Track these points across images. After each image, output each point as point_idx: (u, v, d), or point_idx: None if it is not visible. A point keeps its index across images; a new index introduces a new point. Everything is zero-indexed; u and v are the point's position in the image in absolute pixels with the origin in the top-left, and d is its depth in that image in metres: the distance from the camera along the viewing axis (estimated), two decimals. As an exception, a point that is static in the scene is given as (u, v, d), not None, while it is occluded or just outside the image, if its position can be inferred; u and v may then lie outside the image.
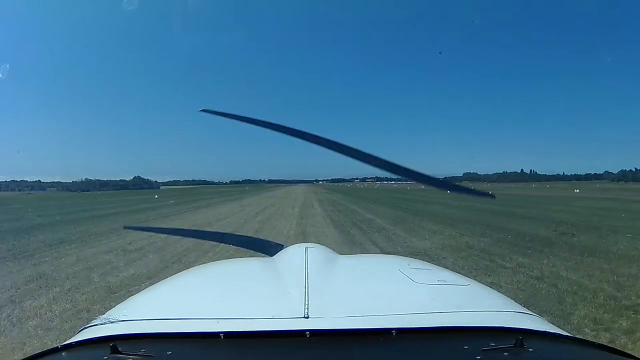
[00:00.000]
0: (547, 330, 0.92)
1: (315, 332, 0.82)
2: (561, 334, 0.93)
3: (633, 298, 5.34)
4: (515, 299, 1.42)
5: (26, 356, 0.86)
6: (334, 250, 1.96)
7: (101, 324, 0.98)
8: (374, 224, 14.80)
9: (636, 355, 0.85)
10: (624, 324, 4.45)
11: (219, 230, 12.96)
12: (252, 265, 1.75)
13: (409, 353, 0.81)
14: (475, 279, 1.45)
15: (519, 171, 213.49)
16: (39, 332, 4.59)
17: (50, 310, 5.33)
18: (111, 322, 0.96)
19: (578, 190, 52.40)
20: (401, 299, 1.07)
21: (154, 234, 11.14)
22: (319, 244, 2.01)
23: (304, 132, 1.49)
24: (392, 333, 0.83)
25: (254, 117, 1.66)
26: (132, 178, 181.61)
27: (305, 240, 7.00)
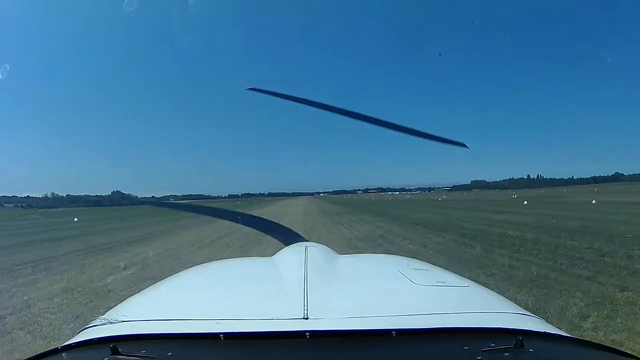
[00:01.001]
0: (547, 331, 0.92)
1: (314, 333, 0.82)
2: (561, 335, 0.93)
3: None
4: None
5: (27, 357, 0.86)
6: (334, 250, 1.95)
7: (101, 324, 0.97)
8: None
9: (636, 355, 0.85)
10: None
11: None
12: (252, 265, 1.81)
13: (409, 354, 0.81)
14: None
15: (526, 177, 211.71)
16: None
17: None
18: (111, 323, 0.96)
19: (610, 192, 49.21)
20: (401, 300, 1.07)
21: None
22: (319, 243, 2.05)
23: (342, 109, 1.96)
24: (392, 334, 0.83)
25: (298, 96, 2.03)
26: (110, 193, 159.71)
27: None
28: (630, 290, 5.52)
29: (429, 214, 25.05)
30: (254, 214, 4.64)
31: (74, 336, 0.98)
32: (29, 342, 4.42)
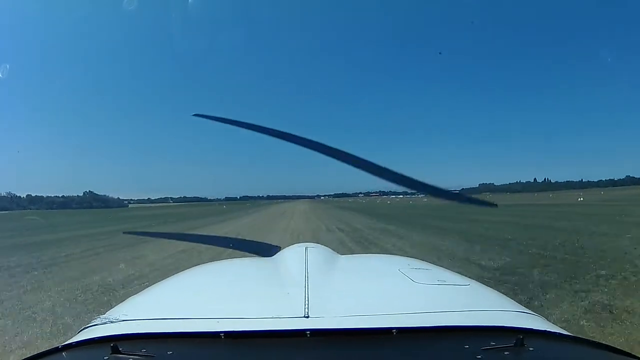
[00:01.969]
0: (547, 330, 0.92)
1: (315, 332, 0.82)
2: (562, 334, 0.93)
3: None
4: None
5: (27, 356, 0.86)
6: (334, 250, 1.96)
7: (101, 324, 0.98)
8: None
9: (637, 355, 0.85)
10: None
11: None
12: (252, 265, 1.80)
13: (410, 353, 0.81)
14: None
15: (532, 180, 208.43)
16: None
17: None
18: (111, 322, 0.96)
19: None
20: (401, 298, 1.07)
21: None
22: (319, 243, 2.03)
23: (305, 139, 1.54)
24: (393, 332, 0.83)
25: (250, 122, 1.81)
26: (82, 194, 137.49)
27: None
28: None
29: (422, 217, 23.47)
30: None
31: (74, 335, 0.99)
32: None
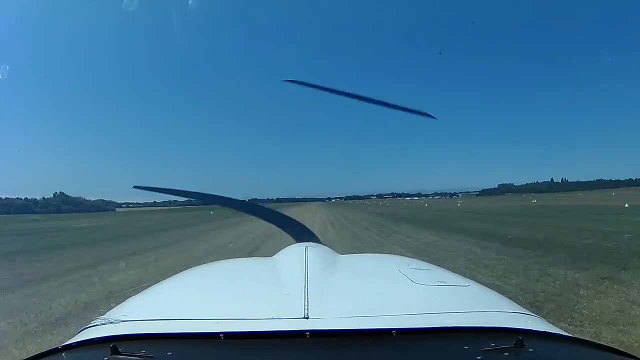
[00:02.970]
0: (547, 331, 0.92)
1: (315, 333, 0.82)
2: (561, 334, 0.93)
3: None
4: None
5: (27, 356, 0.85)
6: (334, 249, 1.97)
7: (101, 324, 0.97)
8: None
9: (637, 355, 0.85)
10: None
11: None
12: (252, 265, 1.82)
13: (409, 353, 0.80)
14: None
15: (549, 180, 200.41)
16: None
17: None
18: (111, 323, 0.96)
19: None
20: (401, 299, 1.07)
21: None
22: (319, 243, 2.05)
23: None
24: (392, 333, 0.83)
25: (332, 87, 2.36)
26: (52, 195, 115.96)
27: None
28: None
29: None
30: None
31: (74, 336, 0.98)
32: None
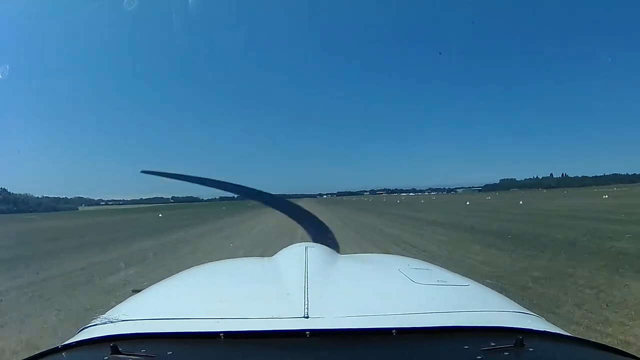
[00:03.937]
0: (547, 330, 0.92)
1: (315, 332, 0.82)
2: (561, 334, 0.93)
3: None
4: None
5: (27, 356, 0.86)
6: (333, 249, 1.94)
7: (101, 323, 0.98)
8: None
9: (637, 355, 0.85)
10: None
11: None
12: (252, 265, 1.83)
13: (409, 353, 0.81)
14: None
15: (549, 175, 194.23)
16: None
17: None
18: (111, 322, 0.96)
19: None
20: (401, 299, 1.07)
21: None
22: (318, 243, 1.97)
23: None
24: (392, 333, 0.83)
25: (192, 175, 2.43)
26: None
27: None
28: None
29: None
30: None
31: (74, 335, 0.98)
32: None
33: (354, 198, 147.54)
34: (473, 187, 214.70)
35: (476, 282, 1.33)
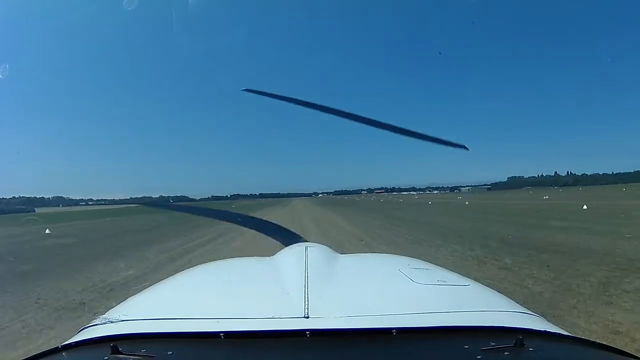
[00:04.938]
0: (547, 330, 0.92)
1: (315, 332, 0.82)
2: (561, 334, 0.93)
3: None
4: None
5: (27, 356, 0.85)
6: (334, 249, 1.96)
7: (101, 323, 0.98)
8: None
9: (637, 355, 0.85)
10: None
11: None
12: (252, 265, 1.78)
13: (409, 353, 0.81)
14: None
15: (554, 174, 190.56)
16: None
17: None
18: (111, 322, 0.96)
19: None
20: (401, 298, 1.07)
21: None
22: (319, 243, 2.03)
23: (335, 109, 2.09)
24: (393, 333, 0.83)
25: (292, 97, 2.21)
26: None
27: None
28: None
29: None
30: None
31: (74, 335, 0.98)
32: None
33: (355, 197, 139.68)
34: (480, 185, 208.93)
35: (476, 282, 1.33)
